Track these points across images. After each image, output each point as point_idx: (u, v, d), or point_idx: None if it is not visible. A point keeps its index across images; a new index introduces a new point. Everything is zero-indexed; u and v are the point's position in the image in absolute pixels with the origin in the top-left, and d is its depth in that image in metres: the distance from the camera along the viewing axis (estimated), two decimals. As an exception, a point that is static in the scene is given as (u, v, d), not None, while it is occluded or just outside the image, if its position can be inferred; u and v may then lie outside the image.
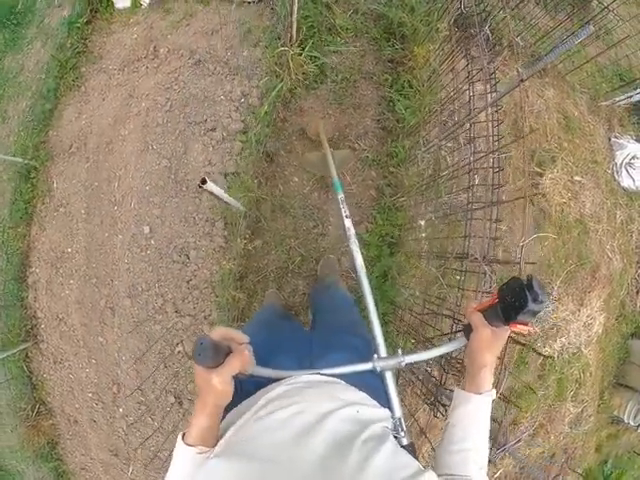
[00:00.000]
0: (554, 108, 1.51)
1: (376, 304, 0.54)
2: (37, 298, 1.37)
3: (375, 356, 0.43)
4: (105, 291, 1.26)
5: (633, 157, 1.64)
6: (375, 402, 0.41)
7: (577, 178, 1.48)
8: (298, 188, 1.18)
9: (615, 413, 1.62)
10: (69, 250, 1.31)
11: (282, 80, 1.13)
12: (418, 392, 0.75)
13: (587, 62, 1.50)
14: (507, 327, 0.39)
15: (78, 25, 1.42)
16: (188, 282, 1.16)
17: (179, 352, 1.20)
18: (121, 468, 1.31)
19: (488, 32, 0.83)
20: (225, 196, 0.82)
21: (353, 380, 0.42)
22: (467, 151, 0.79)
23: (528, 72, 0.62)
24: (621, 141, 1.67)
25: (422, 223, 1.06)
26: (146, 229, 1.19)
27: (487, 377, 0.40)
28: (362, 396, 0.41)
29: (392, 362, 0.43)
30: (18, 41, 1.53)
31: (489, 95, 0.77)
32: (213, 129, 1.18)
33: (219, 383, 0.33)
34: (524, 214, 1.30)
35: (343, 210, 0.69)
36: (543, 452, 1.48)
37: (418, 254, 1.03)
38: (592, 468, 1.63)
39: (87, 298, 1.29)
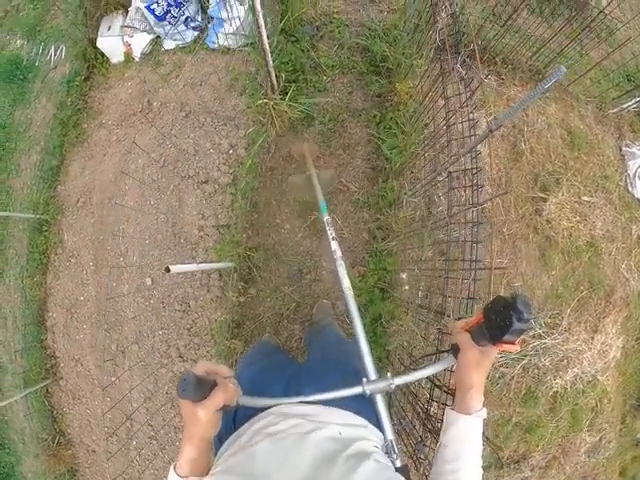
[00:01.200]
0: (557, 125, 1.43)
1: (364, 327, 0.54)
2: (55, 340, 1.48)
3: (364, 379, 0.43)
4: (115, 336, 1.34)
5: (648, 166, 1.52)
6: (362, 420, 0.41)
7: (585, 198, 1.39)
8: (290, 236, 1.20)
9: (638, 436, 1.52)
10: (81, 298, 1.40)
11: (265, 131, 1.15)
12: (403, 444, 0.75)
13: (591, 69, 1.40)
14: (494, 346, 0.38)
15: (77, 83, 1.50)
16: (189, 329, 1.21)
17: (185, 392, 1.25)
18: None
19: (460, 69, 0.79)
20: (202, 266, 0.85)
21: (342, 405, 0.42)
22: (449, 199, 0.76)
23: (497, 122, 0.59)
24: (633, 150, 1.55)
25: (404, 276, 1.04)
26: (148, 281, 1.25)
27: (476, 397, 0.40)
28: (347, 416, 0.41)
29: (382, 385, 0.42)
30: (26, 95, 1.64)
31: (468, 139, 0.74)
32: (205, 182, 1.22)
33: (204, 416, 0.34)
34: (527, 244, 1.24)
35: (329, 232, 0.69)
36: (559, 483, 1.42)
37: (405, 305, 1.02)
38: (617, 494, 1.54)
39: (99, 342, 1.38)
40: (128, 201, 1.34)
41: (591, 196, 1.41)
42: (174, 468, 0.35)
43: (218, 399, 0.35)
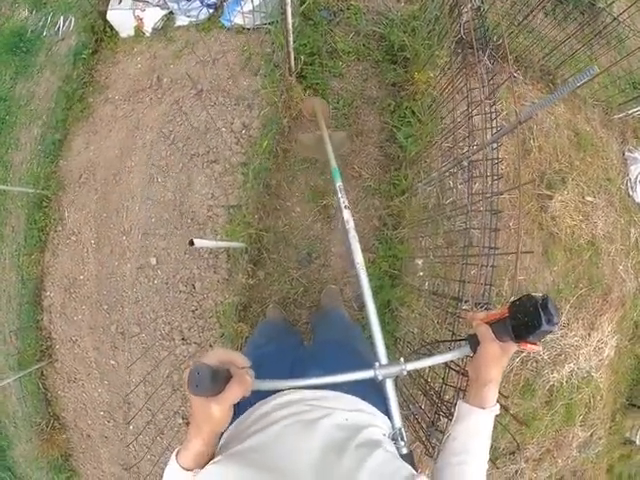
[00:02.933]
0: (564, 125, 1.46)
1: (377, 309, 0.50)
2: (52, 320, 1.43)
3: (376, 364, 0.42)
4: (115, 317, 1.31)
5: (649, 172, 1.57)
6: (368, 406, 0.41)
7: (589, 198, 1.43)
8: (300, 219, 1.19)
9: (627, 435, 1.57)
10: (81, 277, 1.36)
11: (282, 112, 1.13)
12: (412, 429, 0.75)
13: (600, 74, 1.43)
14: (515, 344, 0.37)
15: (84, 56, 1.45)
16: (194, 312, 1.19)
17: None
18: None
19: (488, 62, 0.79)
20: (221, 244, 0.84)
21: (349, 390, 0.41)
22: (469, 188, 0.77)
23: (527, 114, 0.60)
24: (635, 155, 1.59)
25: (419, 263, 1.05)
26: (153, 260, 1.22)
27: (492, 392, 0.39)
28: (353, 402, 0.40)
29: (394, 370, 0.41)
30: (28, 68, 1.58)
31: (488, 131, 0.75)
32: (215, 161, 1.19)
33: (219, 412, 0.31)
34: (532, 239, 1.26)
35: (342, 200, 0.64)
36: (550, 476, 1.46)
37: (417, 291, 1.03)
38: (603, 490, 1.59)
39: (99, 323, 1.34)
40: (134, 178, 1.30)
41: (594, 197, 1.45)
42: (176, 457, 0.33)
43: (235, 394, 0.31)
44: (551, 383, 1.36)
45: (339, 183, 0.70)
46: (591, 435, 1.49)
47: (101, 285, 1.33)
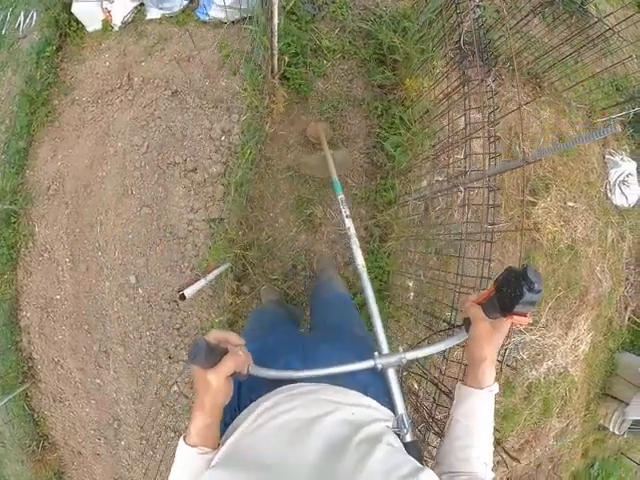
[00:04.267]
0: (549, 130, 1.46)
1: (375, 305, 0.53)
2: (31, 341, 1.37)
3: (376, 353, 0.43)
4: (97, 336, 1.27)
5: (627, 175, 1.62)
6: (370, 400, 0.41)
7: (570, 204, 1.46)
8: (285, 230, 1.16)
9: (601, 422, 1.69)
10: (57, 297, 1.30)
11: (264, 118, 1.08)
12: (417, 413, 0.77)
13: (587, 79, 1.43)
14: (505, 319, 0.38)
15: (47, 54, 1.32)
16: (178, 329, 1.16)
17: (175, 392, 1.22)
18: None
19: (491, 83, 0.76)
20: (210, 277, 0.81)
21: (347, 381, 0.41)
22: (466, 215, 0.75)
23: (534, 156, 0.58)
24: (615, 159, 1.64)
25: (410, 284, 1.05)
26: (132, 279, 1.17)
27: (488, 371, 0.39)
28: (356, 397, 0.40)
29: (394, 359, 0.43)
30: None
31: (488, 162, 0.72)
32: (193, 170, 1.13)
33: (215, 381, 0.34)
34: (515, 246, 1.29)
35: (343, 210, 0.69)
36: (530, 463, 1.56)
37: (406, 308, 1.03)
38: (579, 472, 1.72)
39: (80, 343, 1.29)
40: (106, 190, 1.22)
41: (575, 202, 1.49)
42: (184, 438, 0.35)
43: (229, 365, 0.35)
44: (530, 380, 1.44)
45: (341, 195, 0.74)
46: (567, 425, 1.59)
47: (80, 304, 1.27)
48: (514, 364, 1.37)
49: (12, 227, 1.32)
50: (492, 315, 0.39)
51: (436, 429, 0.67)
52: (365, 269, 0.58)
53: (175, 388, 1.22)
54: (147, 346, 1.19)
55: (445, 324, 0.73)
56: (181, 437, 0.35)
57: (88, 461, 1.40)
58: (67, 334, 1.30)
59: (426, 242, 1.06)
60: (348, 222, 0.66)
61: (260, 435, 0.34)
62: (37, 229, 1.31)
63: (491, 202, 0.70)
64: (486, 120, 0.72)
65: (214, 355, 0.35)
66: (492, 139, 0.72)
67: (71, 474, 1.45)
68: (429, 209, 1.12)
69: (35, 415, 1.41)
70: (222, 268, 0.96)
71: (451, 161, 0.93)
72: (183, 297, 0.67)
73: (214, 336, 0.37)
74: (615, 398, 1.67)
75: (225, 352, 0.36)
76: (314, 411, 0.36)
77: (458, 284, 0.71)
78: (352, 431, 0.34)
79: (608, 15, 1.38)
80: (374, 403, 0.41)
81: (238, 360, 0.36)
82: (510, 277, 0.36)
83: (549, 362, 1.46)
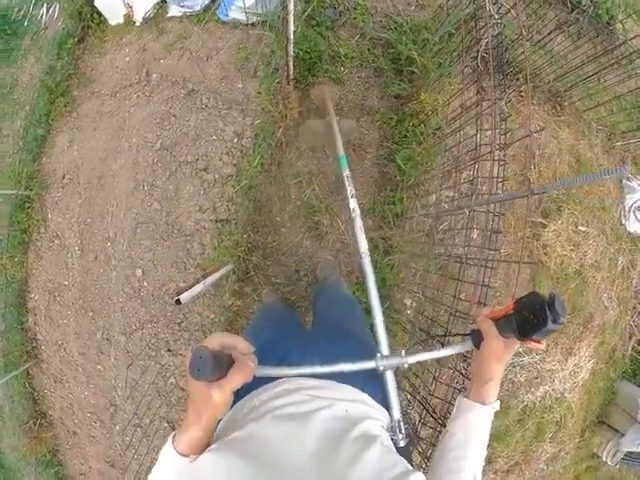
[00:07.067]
0: (567, 150, 1.43)
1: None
2: (37, 322, 1.42)
3: (378, 355, 0.42)
4: (101, 323, 1.30)
5: (644, 202, 1.57)
6: (367, 397, 0.41)
7: (582, 228, 1.43)
8: (290, 236, 1.16)
9: (595, 450, 1.66)
10: (65, 283, 1.34)
11: (277, 123, 1.08)
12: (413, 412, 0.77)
13: (611, 100, 1.39)
14: (518, 341, 0.38)
15: (69, 46, 1.35)
16: (179, 324, 1.19)
17: (171, 384, 1.25)
18: (116, 477, 1.41)
19: (505, 108, 0.74)
20: (209, 281, 0.82)
21: (344, 377, 0.41)
22: (467, 238, 0.75)
23: (541, 189, 0.57)
24: (633, 184, 1.58)
25: (408, 302, 1.04)
26: (139, 272, 1.20)
27: (493, 388, 0.39)
28: (352, 394, 0.40)
29: (395, 361, 0.42)
30: (12, 52, 1.46)
31: (495, 186, 0.70)
32: (204, 169, 1.14)
33: (219, 398, 0.30)
34: (521, 266, 1.27)
35: (349, 189, 0.63)
36: (517, 486, 1.55)
37: (403, 326, 1.03)
38: (570, 500, 1.69)
39: (84, 329, 1.33)
40: (119, 183, 1.25)
41: (587, 226, 1.45)
42: (172, 441, 0.33)
43: (237, 380, 0.31)
44: (525, 403, 1.42)
45: (346, 172, 0.68)
46: (559, 450, 1.57)
47: (86, 291, 1.30)
48: (510, 386, 1.35)
49: (26, 212, 1.36)
50: (506, 334, 0.38)
51: (420, 448, 0.67)
52: (369, 257, 0.53)
53: (172, 380, 1.25)
54: (148, 337, 1.22)
55: (439, 337, 0.72)
56: (169, 439, 0.33)
57: (82, 442, 1.45)
58: (72, 319, 1.34)
59: (428, 259, 1.05)
60: (353, 202, 0.60)
61: (257, 426, 0.33)
62: (50, 216, 1.35)
63: (494, 227, 0.69)
64: (496, 144, 0.71)
65: (220, 366, 0.30)
66: (501, 163, 0.71)
67: (65, 453, 1.50)
68: (435, 226, 1.11)
69: (35, 393, 1.47)
70: (223, 270, 0.97)
71: (462, 179, 0.92)
72: (179, 302, 0.66)
73: (218, 341, 0.32)
74: (611, 427, 1.63)
75: (230, 360, 0.31)
76: (310, 405, 0.35)
77: (454, 308, 0.71)
78: (348, 427, 0.33)
79: (634, 37, 1.33)
80: (369, 400, 0.41)
81: (247, 373, 0.31)
82: (535, 303, 0.35)
83: (546, 387, 1.43)
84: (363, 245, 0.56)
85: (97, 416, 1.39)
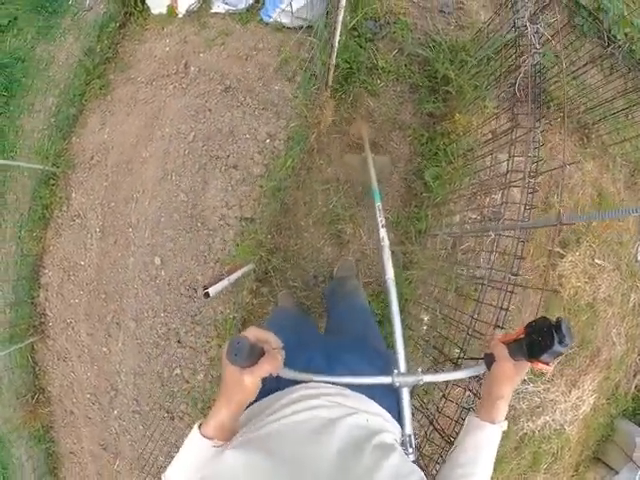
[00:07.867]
0: (590, 183, 1.43)
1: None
2: (48, 298, 1.42)
3: (395, 371, 0.44)
4: (113, 307, 1.30)
5: (662, 242, 1.57)
6: (383, 411, 0.42)
7: (598, 261, 1.43)
8: (312, 241, 1.17)
9: None
10: (82, 263, 1.34)
11: (311, 128, 1.09)
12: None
13: (635, 137, 1.40)
14: (528, 363, 0.40)
15: (110, 30, 1.36)
16: (193, 317, 1.19)
17: (176, 375, 1.25)
18: (108, 460, 1.41)
19: (539, 134, 0.76)
20: (233, 277, 0.83)
21: (363, 389, 0.42)
22: (491, 261, 0.75)
23: (570, 219, 0.58)
24: (653, 222, 1.59)
25: (425, 318, 1.04)
26: (157, 260, 1.20)
27: (502, 408, 0.41)
28: (371, 406, 0.41)
29: (411, 379, 0.44)
30: (52, 30, 1.47)
31: (523, 212, 0.72)
32: (234, 166, 1.15)
33: (249, 382, 0.34)
34: (536, 294, 1.27)
35: (380, 219, 0.69)
36: (506, 513, 1.54)
37: (416, 342, 1.03)
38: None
39: (95, 310, 1.33)
40: (147, 170, 1.26)
41: (603, 260, 1.45)
42: (199, 427, 0.35)
43: (266, 368, 0.35)
44: (524, 431, 1.41)
45: (379, 203, 0.74)
46: (552, 482, 1.56)
47: (102, 274, 1.31)
48: (512, 412, 1.34)
49: (50, 188, 1.37)
50: (517, 357, 0.40)
51: (421, 463, 0.67)
52: (394, 284, 0.56)
53: (177, 371, 1.25)
54: (159, 326, 1.22)
55: (452, 359, 0.73)
56: (196, 425, 0.35)
57: (78, 422, 1.45)
58: (84, 299, 1.35)
59: (447, 278, 1.06)
60: (382, 232, 0.65)
61: (282, 426, 0.34)
62: (74, 195, 1.36)
63: (519, 253, 0.70)
64: (528, 171, 0.71)
65: (253, 355, 0.34)
66: (530, 190, 0.72)
67: (58, 430, 1.49)
68: (457, 246, 1.11)
69: (37, 368, 1.46)
70: (246, 269, 0.98)
71: (487, 202, 0.93)
72: (207, 295, 0.68)
73: (254, 334, 0.36)
74: (606, 465, 1.62)
75: (262, 352, 0.36)
76: (335, 412, 0.37)
77: (471, 328, 0.71)
78: (368, 435, 0.35)
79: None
80: (386, 414, 0.42)
81: (275, 364, 0.36)
82: (543, 326, 0.37)
83: (547, 417, 1.42)
84: (389, 272, 0.59)
85: (96, 398, 1.39)
